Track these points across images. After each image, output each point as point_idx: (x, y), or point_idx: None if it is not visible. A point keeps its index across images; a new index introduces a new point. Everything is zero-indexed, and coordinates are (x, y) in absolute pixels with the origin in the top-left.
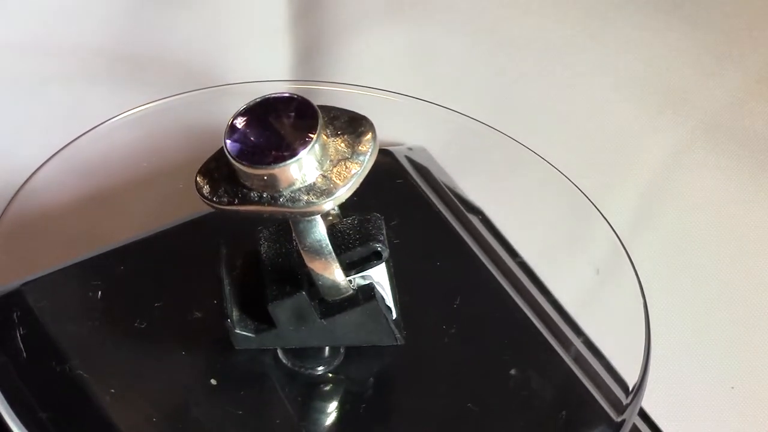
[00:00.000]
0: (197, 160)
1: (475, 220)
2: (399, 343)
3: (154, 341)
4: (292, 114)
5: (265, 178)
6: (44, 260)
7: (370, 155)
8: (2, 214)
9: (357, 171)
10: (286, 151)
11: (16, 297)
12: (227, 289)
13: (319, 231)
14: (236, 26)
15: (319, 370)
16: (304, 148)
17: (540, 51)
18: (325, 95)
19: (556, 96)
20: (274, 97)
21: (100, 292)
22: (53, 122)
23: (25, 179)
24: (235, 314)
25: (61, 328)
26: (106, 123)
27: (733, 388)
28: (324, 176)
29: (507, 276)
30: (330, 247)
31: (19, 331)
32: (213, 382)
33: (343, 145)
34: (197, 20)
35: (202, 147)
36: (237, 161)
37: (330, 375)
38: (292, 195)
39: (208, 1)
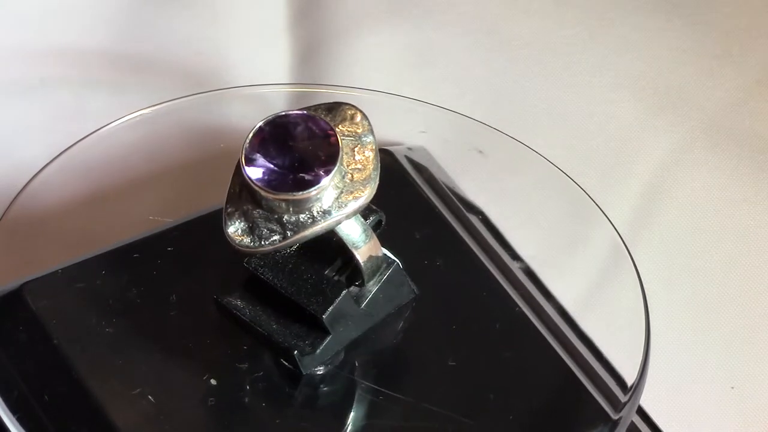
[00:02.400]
0: (197, 162)
1: (475, 220)
2: (417, 293)
3: (154, 341)
4: (298, 127)
5: (319, 196)
6: (44, 260)
7: (372, 131)
8: (3, 214)
9: (374, 150)
10: (318, 163)
11: (16, 297)
12: (266, 326)
13: (363, 222)
14: (236, 27)
15: (319, 370)
16: (336, 153)
17: (540, 51)
18: (324, 97)
19: (556, 96)
20: (267, 123)
21: (99, 293)
22: (53, 123)
23: (25, 179)
24: (292, 344)
25: (61, 328)
26: (107, 126)
27: (733, 388)
28: (353, 170)
29: (507, 276)
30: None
31: (19, 331)
32: (213, 382)
33: (343, 135)
34: (197, 20)
35: (201, 149)
36: (279, 194)
37: (330, 375)
38: (339, 200)
39: (208, 1)
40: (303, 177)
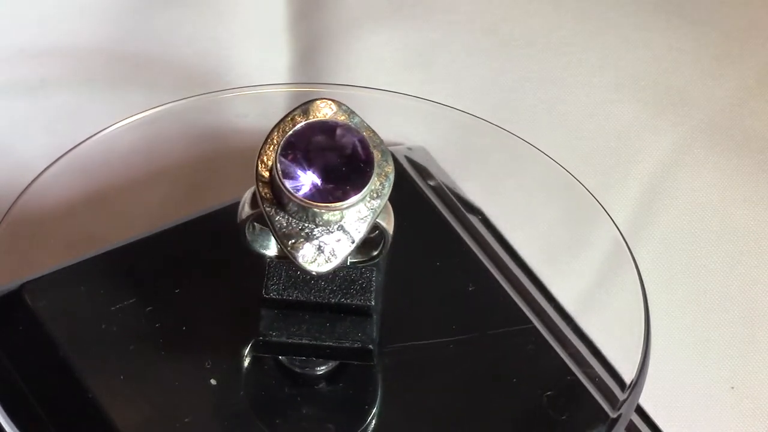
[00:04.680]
0: (197, 162)
1: (474, 220)
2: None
3: (154, 341)
4: (316, 136)
5: (374, 192)
6: (44, 260)
7: (353, 111)
8: (5, 215)
9: (368, 127)
10: (356, 157)
11: (16, 297)
12: (326, 338)
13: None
14: (236, 26)
15: (319, 370)
16: (367, 142)
17: (540, 51)
18: (324, 96)
19: (556, 96)
20: (285, 148)
21: (99, 293)
22: (54, 123)
23: (26, 179)
24: (362, 340)
25: (61, 328)
26: (108, 129)
27: (733, 388)
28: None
29: (507, 276)
30: None
31: (19, 331)
32: (213, 382)
33: None
34: (197, 20)
35: (201, 149)
36: (344, 203)
37: (329, 375)
38: (377, 185)
39: (208, 1)
40: (352, 178)
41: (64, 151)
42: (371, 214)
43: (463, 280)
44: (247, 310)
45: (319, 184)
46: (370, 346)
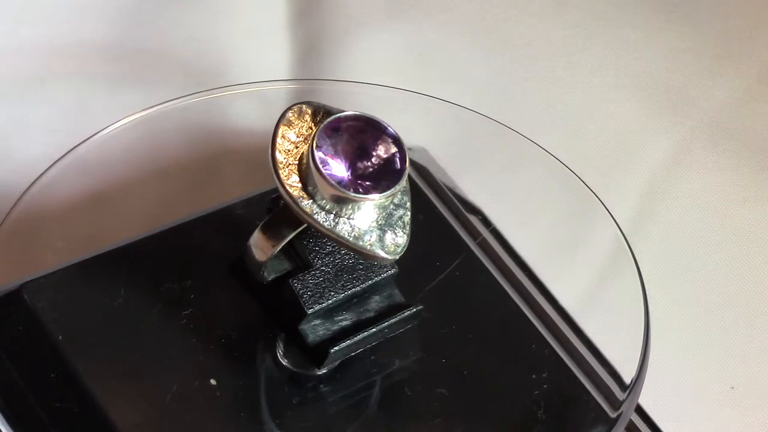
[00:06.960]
0: (197, 162)
1: (475, 220)
2: None
3: (154, 341)
4: (335, 133)
5: (405, 172)
6: (44, 260)
7: (324, 105)
8: (5, 217)
9: (353, 112)
10: (386, 138)
11: (16, 297)
12: (383, 323)
13: None
14: (236, 26)
15: (319, 371)
16: (384, 122)
17: (540, 51)
18: (325, 94)
19: (556, 96)
20: (318, 155)
21: (99, 293)
22: (54, 122)
23: (26, 179)
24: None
25: (61, 328)
26: (108, 128)
27: (733, 388)
28: None
29: (507, 276)
30: None
31: (19, 331)
32: (213, 382)
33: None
34: (197, 19)
35: (201, 149)
36: (398, 185)
37: (329, 376)
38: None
39: (208, 1)
40: (389, 158)
41: (65, 152)
42: (408, 184)
43: (463, 280)
44: (248, 309)
45: (365, 176)
46: (420, 306)
